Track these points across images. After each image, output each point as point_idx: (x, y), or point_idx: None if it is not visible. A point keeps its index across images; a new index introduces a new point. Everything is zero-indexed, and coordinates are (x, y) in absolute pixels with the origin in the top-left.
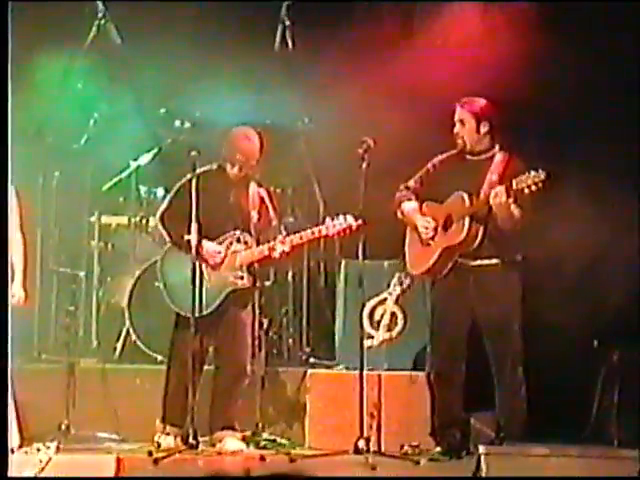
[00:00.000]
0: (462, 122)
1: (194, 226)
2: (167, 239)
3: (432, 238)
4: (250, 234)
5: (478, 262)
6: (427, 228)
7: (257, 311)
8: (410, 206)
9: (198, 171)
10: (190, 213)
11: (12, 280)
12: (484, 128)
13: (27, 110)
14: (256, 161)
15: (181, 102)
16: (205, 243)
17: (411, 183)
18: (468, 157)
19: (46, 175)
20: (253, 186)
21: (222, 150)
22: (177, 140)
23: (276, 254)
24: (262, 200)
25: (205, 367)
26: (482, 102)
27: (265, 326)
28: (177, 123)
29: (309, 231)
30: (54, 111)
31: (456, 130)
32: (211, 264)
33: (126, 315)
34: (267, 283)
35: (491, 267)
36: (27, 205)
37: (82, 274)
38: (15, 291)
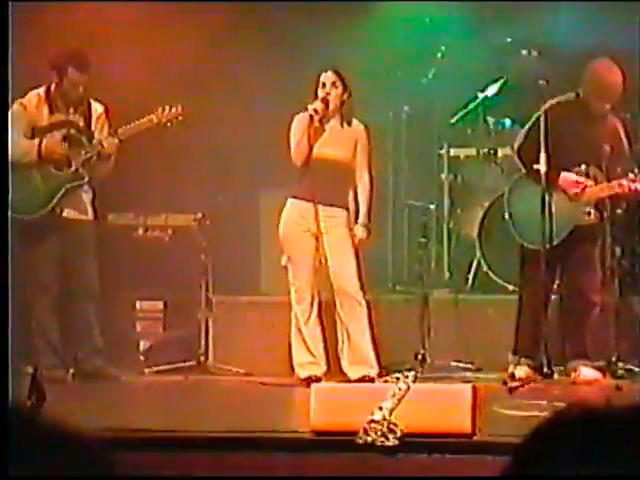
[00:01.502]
0: None
1: (543, 156)
2: (524, 171)
3: None
4: (600, 169)
5: None
6: None
7: (608, 239)
8: None
9: (553, 101)
10: (551, 143)
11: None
12: None
13: (375, 47)
14: (619, 94)
15: (527, 31)
16: (564, 174)
17: None
18: None
19: (396, 110)
20: (609, 116)
21: (583, 82)
22: (524, 69)
23: (626, 189)
24: (616, 130)
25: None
26: None
27: (618, 255)
28: (524, 52)
29: None
30: (402, 46)
31: None
32: (570, 194)
33: (477, 246)
34: (618, 211)
35: None
36: (378, 140)
37: (432, 206)
38: (357, 231)
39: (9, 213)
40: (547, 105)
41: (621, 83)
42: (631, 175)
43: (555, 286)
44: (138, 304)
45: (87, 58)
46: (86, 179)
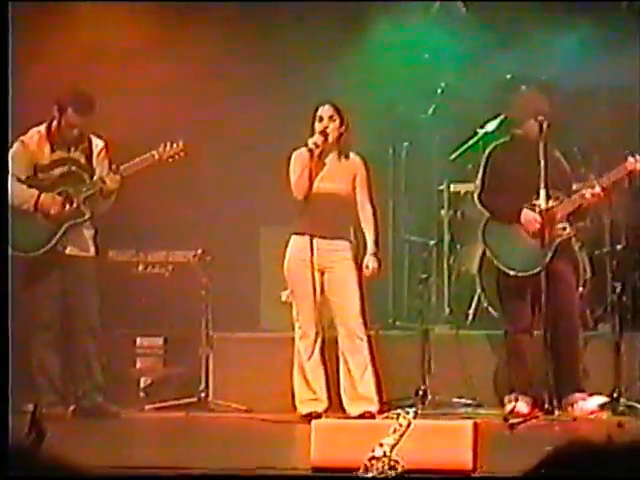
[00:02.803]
0: None
1: (543, 192)
2: (489, 215)
3: None
4: (558, 189)
5: None
6: None
7: (609, 275)
8: None
9: (491, 146)
10: (505, 184)
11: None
12: None
13: (375, 83)
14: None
15: (527, 67)
16: (524, 212)
17: None
18: None
19: (396, 146)
20: (547, 148)
21: (516, 122)
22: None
23: (588, 195)
24: (557, 157)
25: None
26: None
27: (618, 290)
28: (523, 88)
29: (615, 170)
30: (402, 82)
31: None
32: (532, 231)
33: (477, 281)
34: (618, 247)
35: None
36: (378, 176)
37: (433, 242)
38: (368, 262)
39: (9, 250)
40: (488, 151)
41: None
42: (587, 183)
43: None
44: (138, 340)
45: (89, 101)
46: (87, 216)
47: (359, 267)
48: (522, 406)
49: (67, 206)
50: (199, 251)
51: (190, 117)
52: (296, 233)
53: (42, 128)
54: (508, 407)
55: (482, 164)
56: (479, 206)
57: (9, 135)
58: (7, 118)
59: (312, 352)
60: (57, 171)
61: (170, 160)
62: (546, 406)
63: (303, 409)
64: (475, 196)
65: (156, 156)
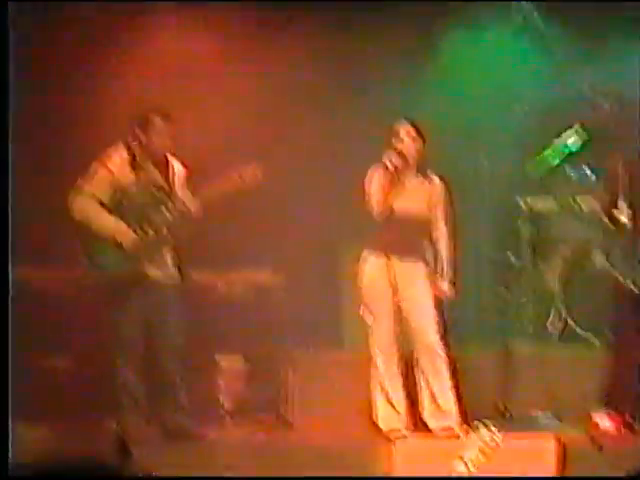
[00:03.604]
0: None
1: (621, 204)
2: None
3: None
4: None
5: None
6: None
7: None
8: None
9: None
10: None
11: None
12: None
13: (453, 98)
14: None
15: (605, 78)
16: None
17: None
18: None
19: (476, 161)
20: None
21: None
22: (601, 117)
23: None
24: None
25: None
26: None
27: None
28: (601, 100)
29: None
30: (481, 97)
31: None
32: None
33: (559, 298)
34: None
35: None
36: (458, 192)
37: (513, 257)
38: (443, 287)
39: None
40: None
41: None
42: None
43: None
44: (220, 360)
45: (170, 119)
46: (169, 240)
47: (434, 286)
48: (608, 423)
49: (150, 231)
50: (279, 270)
51: (266, 133)
52: (371, 251)
53: (124, 151)
54: (595, 423)
55: (608, 180)
56: (607, 222)
57: (9, 136)
58: (7, 118)
59: (391, 369)
60: (139, 195)
61: (249, 184)
62: (630, 422)
63: (384, 425)
64: (602, 212)
65: (236, 181)
